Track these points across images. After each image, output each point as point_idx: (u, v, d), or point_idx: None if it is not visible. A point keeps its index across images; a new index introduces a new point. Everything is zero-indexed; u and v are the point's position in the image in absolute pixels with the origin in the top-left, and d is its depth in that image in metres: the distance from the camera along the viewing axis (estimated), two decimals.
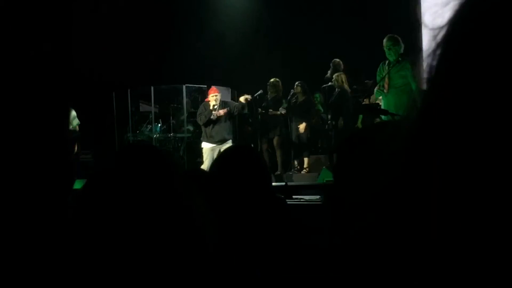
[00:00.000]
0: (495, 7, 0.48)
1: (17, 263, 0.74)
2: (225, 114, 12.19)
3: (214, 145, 12.15)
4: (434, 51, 0.53)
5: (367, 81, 12.77)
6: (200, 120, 12.51)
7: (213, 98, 12.25)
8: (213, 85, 14.69)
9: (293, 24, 16.14)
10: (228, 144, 11.96)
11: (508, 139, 0.44)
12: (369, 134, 1.48)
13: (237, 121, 14.84)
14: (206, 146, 12.31)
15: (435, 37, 0.53)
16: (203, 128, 12.50)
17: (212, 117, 12.22)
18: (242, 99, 12.43)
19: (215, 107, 12.19)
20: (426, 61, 0.55)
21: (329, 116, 12.65)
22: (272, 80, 13.21)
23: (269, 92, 13.28)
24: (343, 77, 12.24)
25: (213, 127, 12.25)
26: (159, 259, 1.19)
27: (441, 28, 0.53)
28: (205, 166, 11.91)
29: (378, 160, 1.22)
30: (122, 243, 1.18)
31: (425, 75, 0.54)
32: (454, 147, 0.47)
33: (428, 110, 0.51)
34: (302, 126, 12.76)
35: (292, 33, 15.98)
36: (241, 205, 2.28)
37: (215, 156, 11.78)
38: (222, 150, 11.52)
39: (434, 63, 0.53)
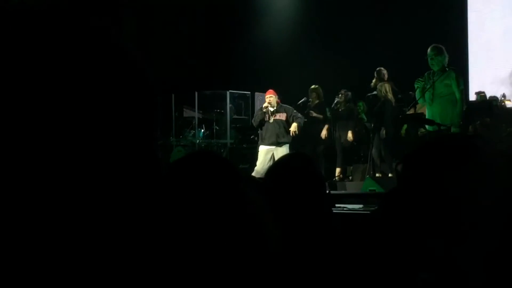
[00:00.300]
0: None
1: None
2: (280, 117, 12.10)
3: (268, 147, 12.01)
4: None
5: (411, 92, 12.68)
6: (254, 121, 12.51)
7: (267, 99, 12.20)
8: (256, 91, 14.78)
9: (340, 31, 16.11)
10: (283, 147, 11.89)
11: None
12: (439, 148, 1.47)
13: None
14: (260, 148, 12.20)
15: None
16: (259, 131, 12.44)
17: (262, 118, 12.19)
18: (293, 128, 12.27)
19: (269, 108, 12.11)
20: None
21: (372, 126, 12.59)
22: (312, 86, 13.21)
23: (310, 99, 13.27)
24: (387, 86, 12.15)
25: (266, 129, 12.15)
26: (226, 267, 1.21)
27: None
28: (257, 167, 11.86)
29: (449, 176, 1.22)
30: (189, 248, 1.21)
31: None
32: None
33: None
34: (350, 134, 12.77)
35: (338, 41, 15.94)
36: (297, 212, 2.30)
37: (268, 158, 11.81)
38: (276, 153, 11.54)
39: None
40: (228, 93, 15.70)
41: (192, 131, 15.78)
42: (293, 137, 12.03)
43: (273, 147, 11.90)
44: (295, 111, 12.34)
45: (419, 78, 9.81)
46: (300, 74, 15.03)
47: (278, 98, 12.28)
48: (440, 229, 1.35)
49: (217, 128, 15.93)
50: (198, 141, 15.34)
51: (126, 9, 15.08)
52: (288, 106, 12.37)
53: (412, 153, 1.49)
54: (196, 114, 15.90)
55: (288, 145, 12.01)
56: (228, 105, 15.74)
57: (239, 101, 16.09)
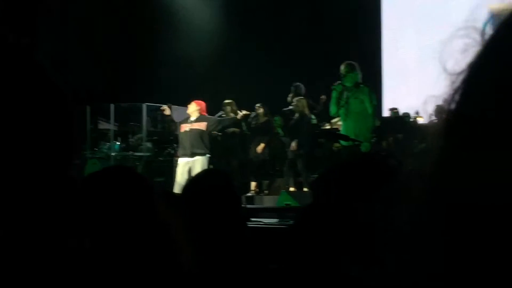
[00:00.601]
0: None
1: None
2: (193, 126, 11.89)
3: (185, 159, 11.76)
4: (452, 95, 0.54)
5: (322, 97, 12.90)
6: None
7: (189, 106, 12.11)
8: (173, 104, 14.64)
9: (257, 47, 16.23)
10: (200, 159, 11.67)
11: None
12: (353, 168, 1.50)
13: None
14: (179, 160, 11.97)
15: (453, 82, 0.54)
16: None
17: (172, 130, 12.13)
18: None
19: (167, 112, 12.21)
20: (438, 104, 0.56)
21: (288, 140, 12.70)
22: (226, 101, 13.22)
23: (224, 113, 13.26)
24: (304, 101, 12.31)
25: (181, 139, 11.99)
26: (137, 278, 1.20)
27: (460, 73, 0.54)
28: (178, 179, 11.62)
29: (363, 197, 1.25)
30: (100, 260, 1.19)
31: (437, 116, 0.55)
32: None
33: (451, 155, 0.51)
34: (260, 147, 12.81)
35: (255, 56, 16.04)
36: (213, 233, 2.29)
37: (186, 170, 11.51)
38: (193, 165, 11.36)
39: (453, 106, 0.53)
40: (144, 105, 15.56)
41: (108, 144, 15.54)
42: (209, 149, 11.92)
43: (190, 158, 11.69)
44: (215, 120, 12.20)
45: (337, 83, 9.88)
46: (217, 88, 15.06)
47: (202, 109, 12.07)
48: (353, 249, 1.38)
49: (133, 140, 15.75)
50: (113, 153, 15.12)
51: (42, 22, 14.80)
52: (211, 117, 12.24)
53: (325, 172, 1.52)
54: (112, 127, 15.68)
55: (204, 156, 11.77)
56: (145, 118, 15.59)
57: (156, 114, 15.97)
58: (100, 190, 1.32)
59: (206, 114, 12.15)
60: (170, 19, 16.81)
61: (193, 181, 2.56)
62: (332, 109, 10.04)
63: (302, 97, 12.49)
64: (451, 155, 0.51)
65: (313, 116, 12.91)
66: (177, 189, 10.57)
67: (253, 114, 13.10)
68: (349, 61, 9.92)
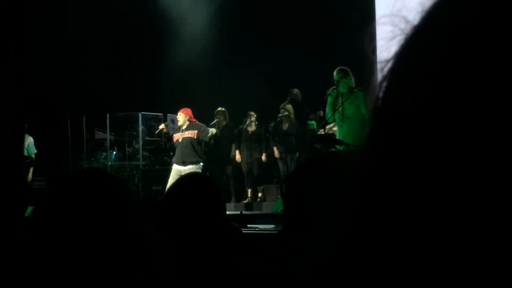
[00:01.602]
0: (436, 43, 0.51)
1: None
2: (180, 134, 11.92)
3: (178, 167, 11.77)
4: (380, 83, 0.55)
5: (319, 112, 12.91)
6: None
7: (177, 116, 12.13)
8: (169, 113, 14.64)
9: (251, 53, 16.25)
10: (191, 167, 11.61)
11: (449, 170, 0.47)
12: (315, 165, 1.52)
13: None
14: (173, 166, 12.00)
15: (382, 69, 0.55)
16: None
17: (167, 138, 12.16)
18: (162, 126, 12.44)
19: (166, 129, 12.24)
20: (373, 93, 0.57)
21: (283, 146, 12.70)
22: (218, 108, 13.26)
23: (218, 121, 13.28)
24: (290, 108, 12.34)
25: (176, 148, 12.00)
26: (111, 283, 1.20)
27: (388, 61, 0.55)
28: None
29: (326, 190, 1.26)
30: (73, 267, 1.20)
31: (371, 105, 0.56)
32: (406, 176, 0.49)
33: (377, 141, 0.52)
34: (263, 157, 12.87)
35: (249, 63, 16.06)
36: (194, 233, 2.30)
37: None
38: (182, 173, 11.33)
39: (381, 94, 0.55)
40: (140, 114, 15.59)
41: (104, 153, 15.57)
42: (202, 157, 11.96)
43: (182, 167, 11.67)
44: (205, 128, 12.15)
45: (331, 89, 9.91)
46: (211, 96, 15.08)
47: (191, 117, 12.05)
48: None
49: (129, 150, 15.76)
50: (110, 163, 15.15)
51: (34, 32, 14.81)
52: (200, 124, 12.18)
53: (292, 173, 1.55)
54: (108, 136, 15.69)
55: (196, 165, 11.78)
56: (141, 127, 15.61)
57: (152, 123, 15.99)
58: (74, 190, 1.33)
59: (195, 121, 12.14)
60: (165, 28, 16.83)
61: (175, 184, 2.58)
62: (328, 114, 10.06)
63: (288, 103, 12.53)
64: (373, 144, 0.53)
65: (312, 122, 12.94)
66: None
67: (247, 121, 13.08)
68: (341, 67, 9.91)
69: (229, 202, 12.31)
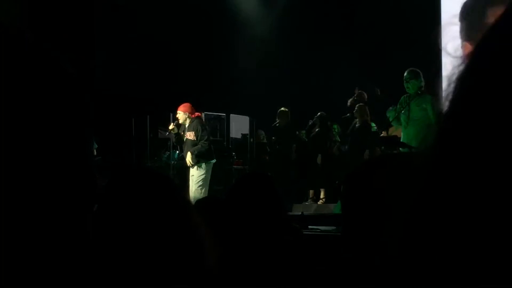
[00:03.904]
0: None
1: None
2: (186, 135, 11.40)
3: (190, 168, 11.37)
4: (449, 87, 0.53)
5: (377, 88, 12.82)
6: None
7: (177, 115, 11.57)
8: (232, 113, 14.63)
9: (315, 54, 16.21)
10: (196, 168, 11.28)
11: None
12: (376, 167, 1.48)
13: (255, 149, 14.87)
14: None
15: (454, 70, 0.53)
16: None
17: (177, 138, 11.70)
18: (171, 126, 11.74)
19: (174, 130, 11.65)
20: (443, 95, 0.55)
21: (346, 147, 12.66)
22: (282, 108, 13.27)
23: (279, 121, 13.31)
24: (364, 108, 12.26)
25: (184, 148, 11.65)
26: (162, 271, 1.20)
27: (459, 65, 0.53)
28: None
29: (386, 192, 1.22)
30: (128, 263, 1.20)
31: (442, 108, 0.54)
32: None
33: (446, 144, 0.51)
34: (318, 158, 12.83)
35: (312, 63, 16.03)
36: (255, 233, 2.29)
37: (189, 177, 11.08)
38: (192, 173, 11.07)
39: (451, 98, 0.53)
40: (203, 114, 15.68)
41: (167, 153, 15.71)
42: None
43: (191, 168, 11.34)
44: (202, 133, 11.47)
45: (390, 108, 9.93)
46: (275, 96, 15.08)
47: (190, 113, 11.52)
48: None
49: None
50: (173, 162, 15.29)
51: (100, 32, 15.09)
52: (200, 124, 11.64)
53: (351, 174, 1.52)
54: (171, 136, 15.84)
55: (204, 164, 11.31)
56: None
57: (214, 123, 16.08)
58: (124, 190, 1.33)
59: (198, 114, 11.71)
60: (229, 29, 16.92)
61: (237, 184, 2.58)
62: (391, 115, 9.96)
63: (362, 104, 12.43)
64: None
65: (373, 124, 12.83)
66: (191, 196, 10.43)
67: (310, 122, 13.10)
68: (413, 68, 9.84)
69: (290, 203, 12.30)
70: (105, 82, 14.57)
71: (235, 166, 14.64)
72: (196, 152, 11.23)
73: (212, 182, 13.92)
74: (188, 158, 11.36)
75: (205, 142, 11.42)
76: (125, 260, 1.20)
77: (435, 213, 0.49)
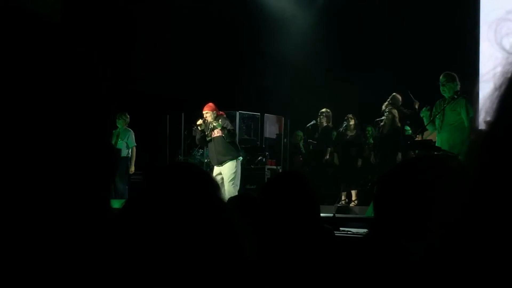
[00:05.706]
0: None
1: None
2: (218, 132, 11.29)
3: (216, 167, 11.28)
4: (494, 94, 0.53)
5: (415, 100, 12.72)
6: (197, 141, 11.99)
7: (204, 115, 11.50)
8: (266, 113, 14.61)
9: (352, 56, 16.15)
10: (228, 164, 11.21)
11: None
12: (411, 169, 1.49)
13: (288, 149, 14.86)
14: (214, 168, 11.44)
15: (496, 84, 0.53)
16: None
17: (201, 137, 11.55)
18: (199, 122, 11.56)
19: (202, 127, 11.48)
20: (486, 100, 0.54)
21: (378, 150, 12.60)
22: (323, 110, 13.24)
23: (319, 122, 13.29)
24: (395, 112, 12.17)
25: (209, 149, 11.58)
26: (196, 268, 1.22)
27: (502, 73, 0.52)
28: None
29: (420, 195, 1.24)
30: (161, 257, 1.22)
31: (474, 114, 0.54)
32: None
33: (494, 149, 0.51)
34: (359, 162, 12.83)
35: (349, 65, 15.96)
36: (287, 232, 2.31)
37: (219, 178, 10.91)
38: (223, 172, 10.93)
39: (495, 107, 0.52)
40: (238, 113, 15.71)
41: (201, 150, 15.76)
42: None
43: (219, 167, 11.27)
44: (227, 122, 11.53)
45: (425, 107, 9.85)
46: (310, 96, 15.05)
47: (217, 111, 11.50)
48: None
49: None
50: (206, 160, 15.33)
51: (138, 32, 15.20)
52: (226, 119, 11.65)
53: (385, 175, 1.52)
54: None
55: (234, 160, 11.27)
56: (238, 125, 15.74)
57: (249, 122, 16.09)
58: (166, 182, 1.36)
59: (223, 113, 11.67)
60: (266, 28, 16.90)
61: (270, 182, 2.60)
62: (425, 115, 9.89)
63: (392, 107, 12.35)
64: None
65: (407, 127, 12.74)
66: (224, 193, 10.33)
67: (344, 124, 13.05)
68: (448, 72, 9.76)
69: (323, 204, 12.26)
70: (143, 81, 14.69)
71: (268, 166, 14.64)
72: (228, 127, 11.34)
73: (244, 181, 13.96)
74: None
75: (233, 128, 11.57)
76: (156, 254, 1.23)
77: (488, 213, 0.50)
